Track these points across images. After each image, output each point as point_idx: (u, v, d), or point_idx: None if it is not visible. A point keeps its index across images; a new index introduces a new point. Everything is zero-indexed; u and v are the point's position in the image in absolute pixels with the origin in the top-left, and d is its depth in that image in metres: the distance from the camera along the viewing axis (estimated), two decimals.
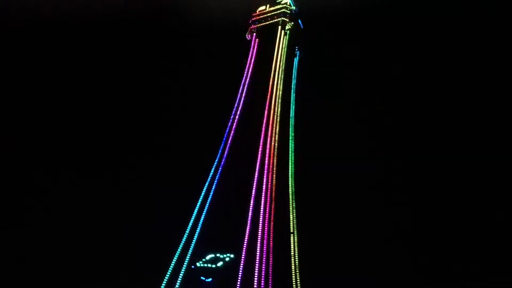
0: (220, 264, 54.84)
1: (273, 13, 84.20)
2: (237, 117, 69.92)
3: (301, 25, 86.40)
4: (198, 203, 61.20)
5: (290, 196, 63.85)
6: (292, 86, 78.00)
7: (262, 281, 52.11)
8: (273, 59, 77.60)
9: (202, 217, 59.52)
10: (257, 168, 62.47)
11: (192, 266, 54.83)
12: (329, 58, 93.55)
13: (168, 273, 56.31)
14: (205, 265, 55.64)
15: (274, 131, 68.13)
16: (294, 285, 56.43)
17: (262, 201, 59.36)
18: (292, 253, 59.22)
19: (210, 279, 54.06)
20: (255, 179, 61.20)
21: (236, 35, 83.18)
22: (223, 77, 78.71)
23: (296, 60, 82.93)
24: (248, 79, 75.57)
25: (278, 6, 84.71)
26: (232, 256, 54.54)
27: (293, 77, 79.57)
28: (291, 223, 61.91)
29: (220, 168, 63.67)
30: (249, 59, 79.29)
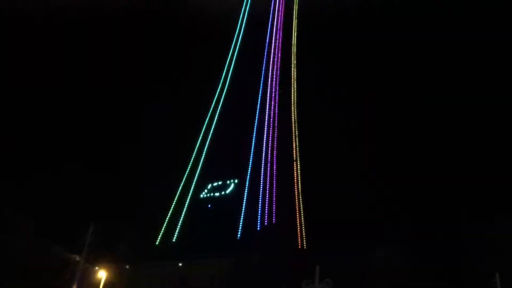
0: (225, 190, 55.59)
1: None
2: (237, 46, 68.62)
3: None
4: (202, 131, 61.40)
5: (293, 124, 63.83)
6: (294, 13, 75.86)
7: (266, 206, 53.10)
8: None
9: (206, 144, 59.87)
10: (259, 95, 61.97)
11: (209, 206, 55.37)
12: None
13: (174, 201, 57.45)
14: (211, 194, 56.45)
15: (276, 59, 66.97)
16: (297, 210, 57.65)
17: (265, 128, 59.36)
18: (295, 179, 60.09)
19: (209, 206, 54.99)
20: (258, 107, 60.88)
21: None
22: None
23: None
24: (247, 9, 73.49)
25: None
26: (236, 181, 55.00)
27: (295, 2, 77.23)
28: (294, 150, 62.31)
29: (223, 95, 63.21)
30: None
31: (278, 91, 62.84)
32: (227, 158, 56.68)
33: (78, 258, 28.00)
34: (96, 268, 31.90)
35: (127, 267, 42.79)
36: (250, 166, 55.44)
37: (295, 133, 62.79)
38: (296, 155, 61.27)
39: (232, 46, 68.31)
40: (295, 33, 70.94)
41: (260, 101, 61.53)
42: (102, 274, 30.37)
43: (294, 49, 69.34)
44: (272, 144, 58.85)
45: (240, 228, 50.98)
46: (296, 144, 62.87)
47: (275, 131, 60.18)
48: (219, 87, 64.63)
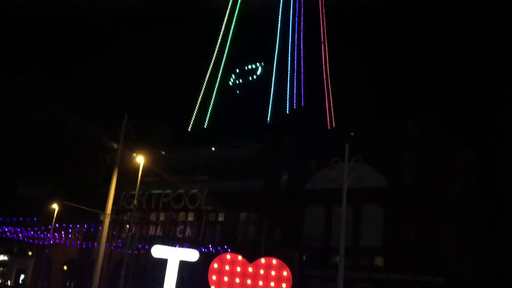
0: (252, 75, 55.34)
1: None
2: None
3: None
4: (226, 16, 59.85)
5: (321, 4, 61.30)
6: None
7: (295, 90, 53.10)
8: None
9: (231, 29, 58.59)
10: None
11: (237, 91, 55.33)
12: None
13: (202, 90, 57.98)
14: (239, 79, 56.36)
15: None
16: (326, 92, 57.52)
17: (291, 11, 57.18)
18: (323, 62, 59.18)
19: (237, 91, 55.13)
20: None
21: None
22: None
23: None
24: None
25: None
26: (263, 64, 54.43)
27: None
28: (322, 32, 60.52)
29: None
30: None
31: None
32: (254, 42, 55.48)
33: (116, 146, 29.12)
34: (134, 154, 33.26)
35: (163, 152, 44.53)
36: (277, 49, 54.41)
37: (323, 13, 60.52)
38: (324, 36, 59.64)
39: None
40: None
41: None
42: (140, 159, 31.79)
43: None
44: (299, 25, 57.08)
45: (269, 111, 51.57)
46: (324, 24, 60.94)
47: (301, 12, 58.00)
48: None
